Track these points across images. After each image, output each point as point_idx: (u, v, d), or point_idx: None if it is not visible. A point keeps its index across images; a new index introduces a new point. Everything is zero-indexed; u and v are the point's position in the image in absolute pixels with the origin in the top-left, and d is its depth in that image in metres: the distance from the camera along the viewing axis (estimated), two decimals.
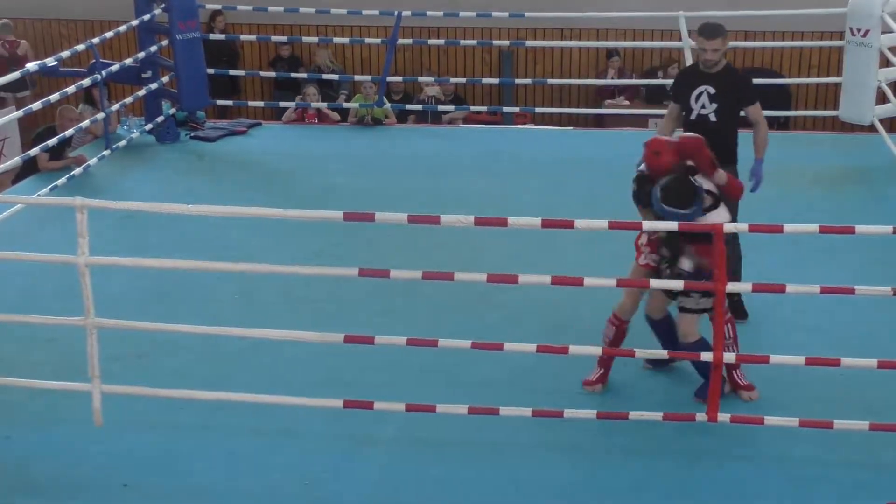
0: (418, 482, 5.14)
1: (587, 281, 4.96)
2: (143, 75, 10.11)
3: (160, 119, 10.25)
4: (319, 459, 5.31)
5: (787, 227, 4.84)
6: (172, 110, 10.35)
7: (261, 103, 11.84)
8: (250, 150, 10.21)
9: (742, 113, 6.45)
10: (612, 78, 13.12)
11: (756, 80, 11.80)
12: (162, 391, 5.35)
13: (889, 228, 4.67)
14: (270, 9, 11.46)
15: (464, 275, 5.08)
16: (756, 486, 5.04)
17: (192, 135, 10.47)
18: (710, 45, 6.27)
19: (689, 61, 10.47)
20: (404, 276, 5.22)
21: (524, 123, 12.74)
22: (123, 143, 9.95)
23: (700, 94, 6.34)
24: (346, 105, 11.33)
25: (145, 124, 10.28)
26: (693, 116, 6.37)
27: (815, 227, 4.83)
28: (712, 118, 6.31)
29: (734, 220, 5.66)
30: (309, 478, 5.17)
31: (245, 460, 5.30)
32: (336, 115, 11.35)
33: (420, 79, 12.39)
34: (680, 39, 10.27)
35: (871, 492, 4.93)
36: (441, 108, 11.94)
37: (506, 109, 12.30)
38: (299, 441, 5.45)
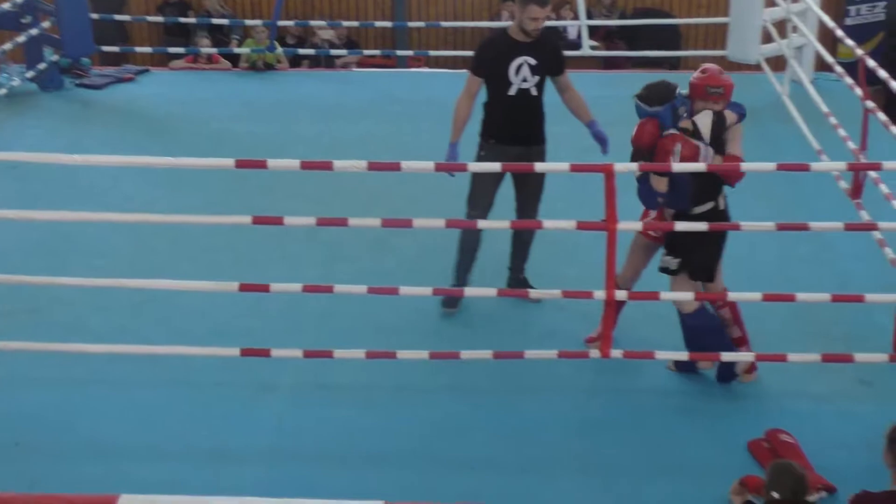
0: (318, 428, 5.17)
1: (481, 223, 5.00)
2: (22, 20, 9.78)
3: (42, 66, 9.96)
4: (218, 408, 5.29)
5: (675, 167, 4.94)
6: (55, 57, 10.06)
7: (149, 49, 11.59)
8: (139, 97, 10.00)
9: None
10: (506, 20, 13.13)
11: (647, 21, 12.07)
12: (54, 345, 5.26)
13: (772, 166, 4.79)
14: None
15: (358, 220, 5.08)
16: (645, 416, 5.21)
17: (77, 82, 10.20)
18: (543, 13, 5.80)
19: (582, 3, 10.54)
20: (298, 224, 5.20)
21: (418, 67, 12.69)
22: (3, 91, 9.65)
23: (520, 66, 5.82)
24: (237, 50, 11.14)
25: (26, 72, 9.98)
26: (512, 91, 5.84)
27: (702, 166, 4.92)
28: (534, 92, 5.86)
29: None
30: (208, 427, 5.16)
31: (141, 412, 5.26)
32: (227, 62, 11.17)
33: (312, 23, 12.24)
34: None
35: (747, 418, 5.14)
36: (334, 52, 11.83)
37: (399, 53, 12.21)
38: (197, 391, 5.43)
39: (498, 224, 5.37)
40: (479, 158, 5.94)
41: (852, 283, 6.03)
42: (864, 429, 4.94)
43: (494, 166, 5.34)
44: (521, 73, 5.83)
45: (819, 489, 4.60)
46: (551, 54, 5.94)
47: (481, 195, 5.97)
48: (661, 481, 4.81)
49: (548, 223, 4.98)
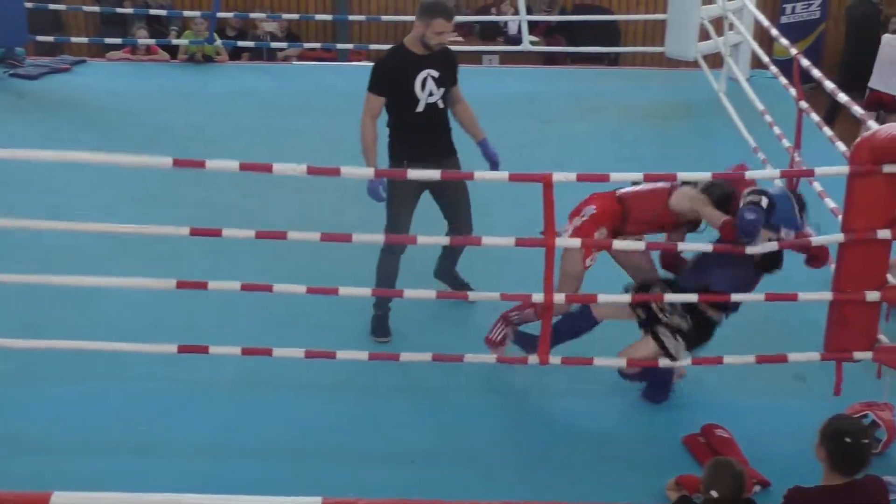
0: (255, 424, 5.14)
1: (420, 239, 4.99)
2: None
3: None
4: (154, 404, 5.25)
5: (613, 176, 4.82)
6: None
7: (85, 40, 11.43)
8: (75, 88, 9.86)
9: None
10: None
11: (586, 17, 12.16)
12: None
13: (708, 175, 4.83)
14: None
15: (297, 234, 4.98)
16: (582, 412, 5.25)
17: (11, 72, 10.02)
18: (450, 26, 5.59)
19: None
20: (237, 236, 5.04)
21: (359, 60, 12.65)
22: None
23: (425, 80, 5.62)
24: (175, 42, 11.03)
25: None
26: (420, 108, 5.64)
27: (639, 176, 4.92)
28: (441, 105, 5.69)
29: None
30: (143, 422, 5.11)
31: (74, 408, 5.21)
32: (166, 54, 11.05)
33: (252, 15, 12.15)
34: None
35: (683, 414, 5.20)
36: (274, 45, 11.77)
37: (340, 46, 12.18)
38: (132, 386, 5.38)
39: (432, 240, 5.28)
40: (393, 185, 5.67)
41: (788, 281, 6.10)
42: (798, 424, 5.00)
43: (413, 186, 5.29)
44: (426, 88, 5.63)
45: (754, 483, 4.67)
46: (450, 64, 5.75)
47: (401, 224, 5.74)
48: (597, 475, 4.85)
49: (486, 240, 4.96)
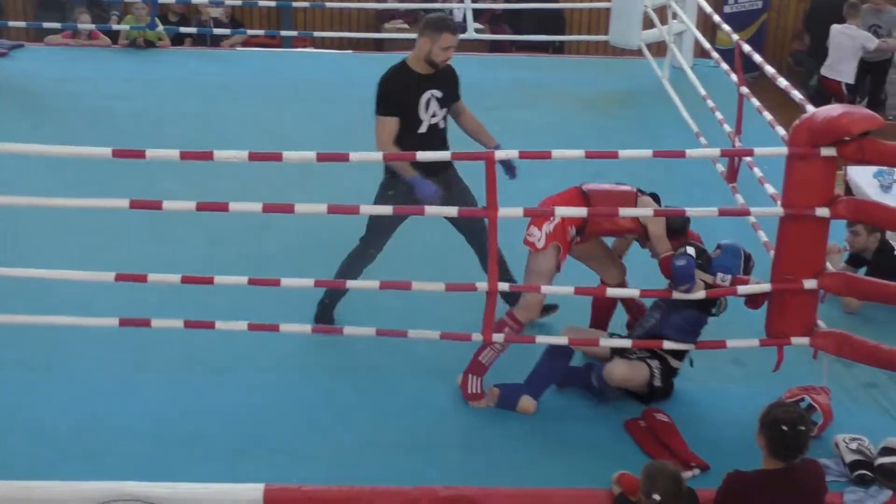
0: (195, 410, 5.11)
1: (363, 209, 4.98)
2: None
3: None
4: (93, 391, 5.19)
5: (555, 153, 4.90)
6: None
7: (22, 23, 11.23)
8: (11, 73, 9.70)
9: None
10: (392, 1, 13.08)
11: (531, 5, 12.16)
12: None
13: (648, 153, 4.86)
14: None
15: (239, 205, 4.97)
16: None
17: None
18: (456, 40, 5.44)
19: None
20: (178, 208, 5.06)
21: (304, 47, 12.58)
22: None
23: (429, 101, 5.46)
24: (116, 27, 10.88)
25: None
26: (423, 129, 5.48)
27: (580, 153, 4.95)
28: (441, 125, 5.56)
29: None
30: (83, 410, 5.05)
31: (9, 394, 5.15)
32: (107, 39, 10.90)
33: (194, 0, 12.00)
34: None
35: (624, 398, 5.23)
36: (217, 31, 11.64)
37: (284, 33, 12.09)
38: (69, 370, 5.32)
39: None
40: (387, 197, 5.48)
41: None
42: (738, 408, 5.07)
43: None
44: (430, 109, 5.48)
45: (693, 467, 4.71)
46: (453, 82, 5.61)
47: (382, 235, 5.64)
48: (540, 459, 4.87)
49: (430, 209, 4.97)
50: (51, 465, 4.68)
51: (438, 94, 5.48)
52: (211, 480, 4.62)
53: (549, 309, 5.68)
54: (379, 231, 5.64)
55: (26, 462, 4.69)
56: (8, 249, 6.05)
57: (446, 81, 5.55)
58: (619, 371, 5.12)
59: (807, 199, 4.76)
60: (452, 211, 5.06)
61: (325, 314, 5.77)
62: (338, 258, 6.11)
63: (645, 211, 5.06)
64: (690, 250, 4.97)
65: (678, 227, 5.19)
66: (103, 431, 4.94)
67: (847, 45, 11.31)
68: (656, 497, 4.17)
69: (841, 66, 11.36)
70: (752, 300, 5.10)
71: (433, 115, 5.48)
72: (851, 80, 11.42)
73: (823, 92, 11.29)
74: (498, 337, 5.05)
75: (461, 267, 5.69)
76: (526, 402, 5.16)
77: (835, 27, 11.55)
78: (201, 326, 5.05)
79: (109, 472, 4.63)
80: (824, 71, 11.51)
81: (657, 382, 5.17)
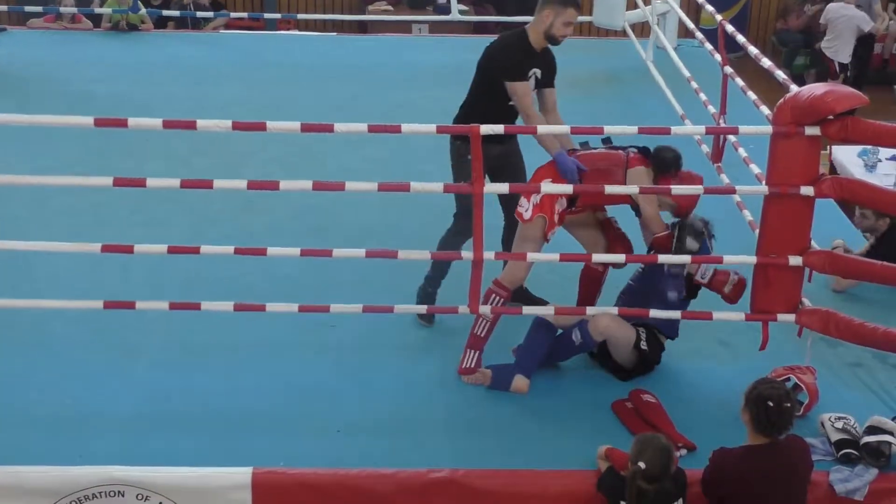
0: (182, 392, 5.09)
1: (348, 185, 4.96)
2: None
3: None
4: (80, 375, 5.17)
5: (541, 129, 4.96)
6: None
7: (4, 7, 11.16)
8: None
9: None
10: None
11: None
12: None
13: (634, 129, 4.86)
14: None
15: (223, 182, 4.98)
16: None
17: None
18: (577, 15, 5.27)
19: None
20: (162, 185, 5.06)
21: (287, 30, 12.54)
22: None
23: (531, 79, 5.33)
24: (98, 10, 10.82)
25: None
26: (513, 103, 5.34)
27: (566, 129, 4.97)
28: (552, 107, 5.46)
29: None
30: (69, 393, 5.04)
31: None
32: (89, 22, 10.84)
33: None
34: None
35: (611, 379, 5.26)
36: (200, 14, 11.59)
37: (267, 16, 12.05)
38: (57, 355, 5.30)
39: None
40: (468, 162, 4.97)
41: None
42: (723, 387, 5.09)
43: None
44: (532, 87, 5.33)
45: (680, 447, 4.73)
46: (551, 67, 5.42)
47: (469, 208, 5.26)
48: (528, 440, 4.87)
49: (415, 185, 4.97)
50: (37, 450, 4.66)
51: (539, 73, 5.34)
52: (199, 464, 4.61)
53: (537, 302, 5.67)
54: (469, 204, 5.30)
55: (12, 447, 4.67)
56: None
57: (548, 64, 5.39)
58: (603, 321, 5.09)
59: (791, 177, 4.76)
60: (438, 187, 5.02)
61: (429, 299, 5.64)
62: (324, 236, 6.10)
63: (631, 189, 5.05)
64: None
65: (669, 163, 5.14)
66: (89, 416, 4.92)
67: (844, 25, 11.33)
68: (641, 465, 4.20)
69: (837, 46, 11.39)
70: (732, 294, 5.11)
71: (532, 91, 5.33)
72: (846, 60, 11.46)
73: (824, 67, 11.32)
74: (485, 309, 5.04)
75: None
76: (519, 381, 5.17)
77: (832, 5, 11.57)
78: (186, 308, 5.03)
79: (96, 457, 4.62)
80: (824, 46, 11.54)
81: (643, 345, 5.17)
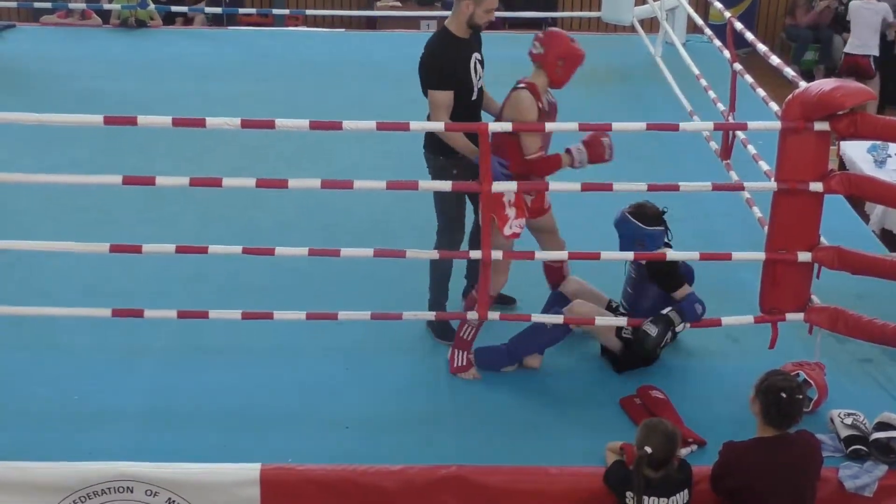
0: (191, 390, 5.10)
1: (357, 184, 4.96)
2: None
3: None
4: (88, 371, 5.18)
5: (548, 126, 4.96)
6: None
7: (13, 3, 11.17)
8: (4, 53, 9.66)
9: None
10: None
11: None
12: None
13: (642, 125, 4.85)
14: None
15: (232, 181, 4.98)
16: (519, 374, 5.27)
17: None
18: (497, 2, 5.32)
19: None
20: (170, 184, 5.08)
21: (296, 26, 12.54)
22: None
23: (475, 65, 5.30)
24: (107, 6, 10.83)
25: None
26: (475, 95, 5.32)
27: (574, 125, 4.95)
28: (484, 89, 5.44)
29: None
30: (78, 390, 5.05)
31: (5, 376, 5.12)
32: (99, 18, 10.85)
33: None
34: None
35: (619, 375, 5.24)
36: (208, 10, 11.60)
37: (276, 12, 12.06)
38: (66, 353, 5.30)
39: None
40: (453, 177, 5.21)
41: (721, 241, 6.18)
42: (732, 383, 5.07)
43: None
44: (477, 72, 5.32)
45: (690, 443, 4.72)
46: (481, 43, 5.43)
47: (459, 217, 5.46)
48: (534, 436, 4.87)
49: (423, 184, 4.96)
50: (45, 446, 4.66)
51: (479, 56, 5.34)
52: (207, 461, 4.61)
53: (507, 300, 5.68)
54: (453, 214, 5.45)
55: (20, 443, 4.68)
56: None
57: (479, 44, 5.40)
58: (582, 311, 5.12)
59: (800, 173, 4.75)
60: (446, 185, 5.03)
61: (442, 328, 5.54)
62: (332, 235, 6.10)
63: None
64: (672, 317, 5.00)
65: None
66: (97, 412, 4.92)
67: (870, 20, 11.32)
68: (647, 449, 4.20)
69: (867, 41, 11.37)
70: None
71: (479, 79, 5.34)
72: (877, 53, 11.45)
73: (851, 70, 11.27)
74: (472, 315, 5.06)
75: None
76: (533, 358, 5.23)
77: (854, 3, 11.54)
78: (195, 316, 5.05)
79: (104, 453, 4.62)
80: (850, 48, 11.51)
81: (626, 334, 5.16)
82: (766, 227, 5.10)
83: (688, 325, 5.02)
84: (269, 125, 4.79)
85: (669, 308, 5.02)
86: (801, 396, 4.29)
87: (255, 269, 5.80)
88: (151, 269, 5.82)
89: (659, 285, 5.13)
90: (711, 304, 5.15)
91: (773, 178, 5.00)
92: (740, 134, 6.60)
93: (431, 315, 5.34)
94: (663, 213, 5.16)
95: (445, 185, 5.05)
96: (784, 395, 4.22)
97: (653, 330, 4.98)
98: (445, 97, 5.19)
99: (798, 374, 4.95)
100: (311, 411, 5.00)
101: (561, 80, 5.18)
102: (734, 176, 6.62)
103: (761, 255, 4.93)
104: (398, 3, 13.11)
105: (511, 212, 5.01)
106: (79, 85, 8.83)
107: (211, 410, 4.98)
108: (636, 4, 9.73)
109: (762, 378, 4.32)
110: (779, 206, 4.86)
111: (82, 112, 5.35)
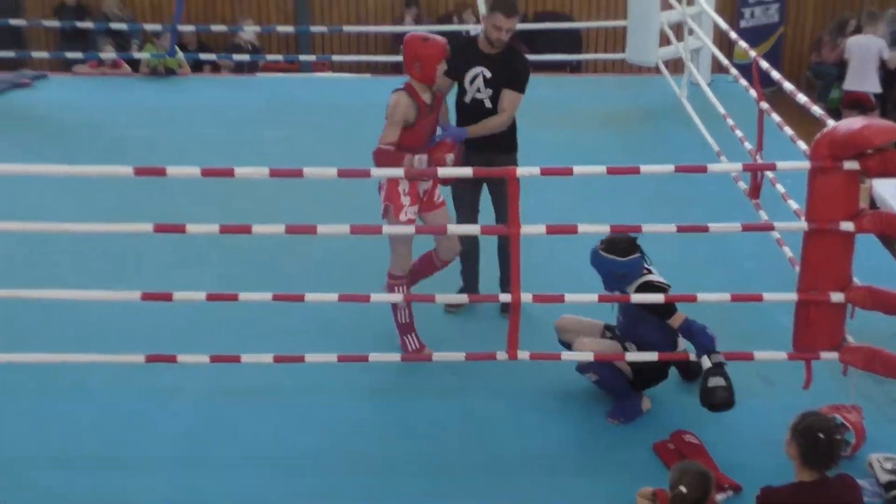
0: (223, 433, 5.11)
1: (386, 229, 4.98)
2: None
3: None
4: (122, 416, 5.21)
5: (577, 169, 4.95)
6: None
7: (45, 54, 11.34)
8: (35, 103, 9.79)
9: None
10: (408, 24, 13.13)
11: (548, 25, 12.19)
12: None
13: (670, 168, 4.84)
14: None
15: (262, 227, 5.01)
16: (550, 417, 5.24)
17: None
18: (509, 23, 5.67)
19: (482, 6, 10.58)
20: (201, 231, 5.12)
21: (322, 72, 12.64)
22: None
23: (476, 77, 5.80)
24: (137, 55, 10.98)
25: None
26: (467, 99, 5.86)
27: (602, 169, 4.96)
28: (487, 104, 5.82)
29: None
30: (111, 435, 5.06)
31: (42, 421, 5.16)
32: (128, 67, 11.00)
33: (213, 28, 12.09)
34: None
35: (652, 420, 5.22)
36: (236, 57, 11.71)
37: (302, 58, 12.16)
38: (99, 398, 5.33)
39: (388, 298, 5.33)
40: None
41: (752, 282, 6.14)
42: (767, 426, 5.02)
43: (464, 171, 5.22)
44: (475, 84, 5.79)
45: (725, 489, 4.67)
46: (510, 70, 5.79)
47: (459, 202, 5.98)
48: (568, 481, 4.84)
49: (452, 227, 4.98)
50: (78, 491, 4.68)
51: (487, 73, 5.76)
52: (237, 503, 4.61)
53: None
54: (455, 197, 5.97)
55: (56, 488, 4.70)
56: (33, 275, 6.08)
57: (505, 67, 5.77)
58: (587, 347, 5.15)
59: (831, 213, 4.73)
60: (475, 229, 5.09)
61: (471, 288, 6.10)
62: (361, 276, 6.12)
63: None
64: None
65: (671, 306, 5.09)
66: (129, 457, 4.95)
67: (867, 56, 11.31)
68: (682, 489, 4.14)
69: (866, 76, 11.36)
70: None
71: (478, 91, 5.80)
72: (879, 90, 11.42)
73: (851, 105, 11.26)
74: (396, 297, 5.43)
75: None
76: (646, 401, 5.29)
77: (851, 40, 11.56)
78: (227, 360, 5.09)
79: (138, 498, 4.63)
80: (848, 85, 11.50)
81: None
82: (797, 267, 5.07)
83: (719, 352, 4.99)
84: (298, 174, 4.84)
85: (703, 354, 4.97)
86: (839, 437, 4.23)
87: (285, 314, 5.81)
88: (184, 314, 5.84)
89: (652, 314, 5.11)
90: (744, 346, 5.11)
91: (803, 218, 4.98)
92: (769, 173, 6.59)
93: (460, 356, 5.32)
94: (635, 240, 5.13)
95: (475, 230, 5.12)
96: (822, 436, 4.15)
97: (720, 381, 4.88)
98: (440, 78, 5.62)
99: (834, 419, 4.89)
100: (340, 452, 4.99)
101: (426, 79, 5.48)
102: (764, 216, 6.60)
103: (793, 296, 4.90)
104: None
105: (406, 200, 5.48)
106: (110, 132, 8.92)
107: (243, 453, 4.99)
108: (660, 45, 9.75)
109: (798, 419, 4.26)
110: (810, 245, 4.84)
111: (114, 159, 5.44)
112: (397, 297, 5.41)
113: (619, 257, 5.08)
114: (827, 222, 4.72)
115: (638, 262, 5.11)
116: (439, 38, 5.51)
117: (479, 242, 6.06)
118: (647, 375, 5.23)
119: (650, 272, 5.17)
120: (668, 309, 5.07)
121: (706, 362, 4.93)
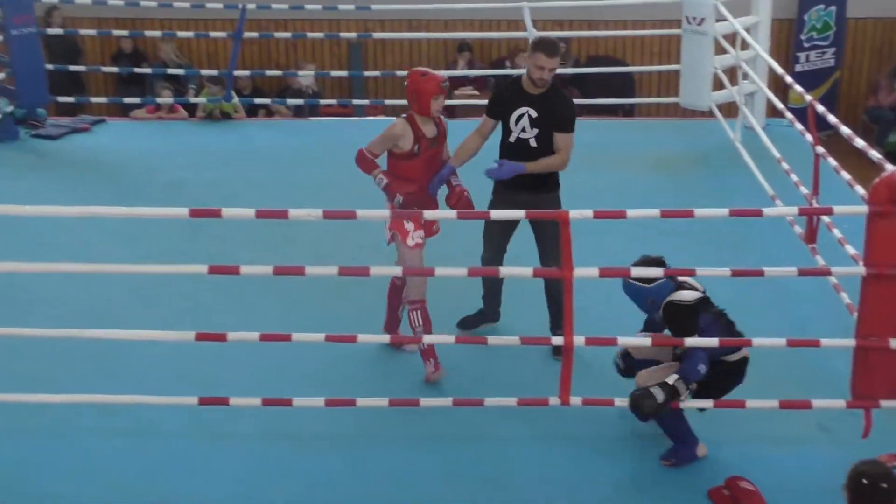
0: (275, 477, 5.11)
1: (438, 271, 4.99)
2: None
3: None
4: (174, 458, 5.23)
5: (630, 213, 4.95)
6: (10, 108, 9.99)
7: (104, 99, 11.54)
8: (94, 147, 9.94)
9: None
10: (461, 69, 13.21)
11: (601, 69, 12.21)
12: (11, 396, 5.19)
13: (725, 211, 4.82)
14: (110, 2, 11.12)
15: (315, 269, 5.05)
16: (604, 463, 5.18)
17: (33, 133, 10.12)
18: (550, 63, 5.72)
19: None
20: (255, 273, 5.17)
21: (375, 115, 12.74)
22: None
23: (521, 117, 5.86)
24: (193, 100, 11.14)
25: None
26: (512, 139, 5.91)
27: (656, 212, 4.95)
28: (532, 143, 5.87)
29: None
30: (163, 477, 5.09)
31: (96, 463, 5.19)
32: (184, 112, 11.15)
33: (268, 73, 12.24)
34: (525, 29, 10.42)
35: (707, 465, 5.14)
36: (290, 101, 11.84)
37: (356, 102, 12.27)
38: (153, 440, 5.36)
39: (452, 272, 5.31)
40: (489, 203, 6.05)
41: (808, 328, 6.07)
42: (824, 474, 4.93)
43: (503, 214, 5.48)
44: (520, 123, 5.87)
45: None
46: (556, 111, 5.87)
47: (488, 236, 6.13)
48: None
49: (504, 270, 4.98)
50: None
51: (533, 113, 5.85)
52: None
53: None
54: (485, 235, 6.17)
55: None
56: (89, 318, 6.15)
57: (551, 107, 5.86)
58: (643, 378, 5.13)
59: (889, 257, 4.68)
60: (527, 272, 5.08)
61: (470, 319, 6.31)
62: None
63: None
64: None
65: (692, 326, 5.04)
66: (184, 498, 4.97)
67: None
68: None
69: None
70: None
71: (523, 131, 5.88)
72: None
73: None
74: (448, 339, 5.41)
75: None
76: (701, 447, 5.23)
77: None
78: (279, 404, 5.12)
79: None
80: None
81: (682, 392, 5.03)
82: (855, 313, 5.01)
83: (689, 393, 4.95)
84: (351, 216, 4.87)
85: (676, 377, 4.94)
86: (886, 485, 4.12)
87: (338, 356, 5.83)
88: (238, 355, 5.88)
89: (669, 326, 5.06)
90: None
91: (860, 263, 4.93)
92: (825, 218, 6.53)
93: (512, 401, 5.29)
94: (660, 259, 5.08)
95: (526, 272, 5.10)
96: (865, 482, 4.05)
97: (660, 396, 4.91)
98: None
99: (894, 467, 4.80)
100: (391, 500, 4.96)
101: (423, 111, 5.77)
102: (820, 260, 6.53)
103: (851, 342, 4.83)
104: (476, 92, 13.25)
105: (410, 225, 5.71)
106: (166, 175, 9.04)
107: (292, 498, 4.98)
108: (714, 89, 9.73)
109: (853, 466, 4.19)
110: (868, 291, 4.78)
111: (170, 201, 5.51)
112: (449, 338, 5.37)
113: (646, 283, 5.07)
114: (886, 267, 4.66)
115: (665, 283, 5.08)
116: (439, 74, 5.77)
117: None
118: (713, 385, 5.12)
119: (682, 286, 5.10)
120: (688, 327, 5.01)
121: (672, 380, 4.92)
